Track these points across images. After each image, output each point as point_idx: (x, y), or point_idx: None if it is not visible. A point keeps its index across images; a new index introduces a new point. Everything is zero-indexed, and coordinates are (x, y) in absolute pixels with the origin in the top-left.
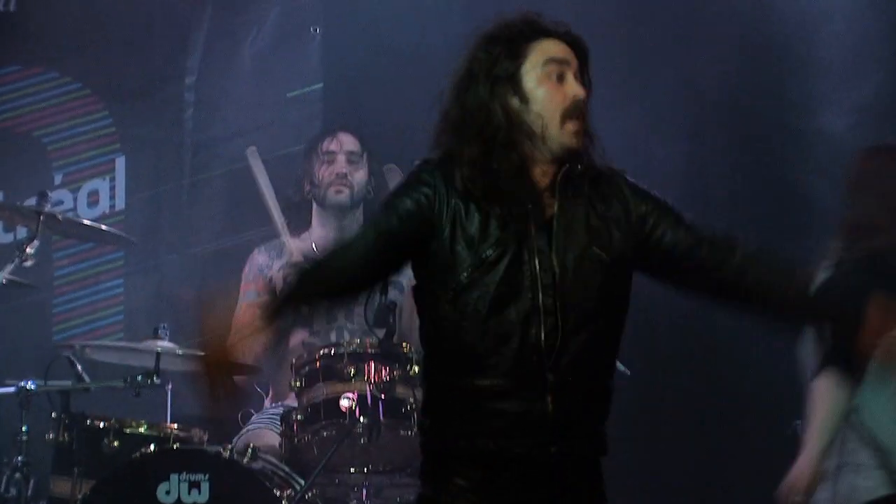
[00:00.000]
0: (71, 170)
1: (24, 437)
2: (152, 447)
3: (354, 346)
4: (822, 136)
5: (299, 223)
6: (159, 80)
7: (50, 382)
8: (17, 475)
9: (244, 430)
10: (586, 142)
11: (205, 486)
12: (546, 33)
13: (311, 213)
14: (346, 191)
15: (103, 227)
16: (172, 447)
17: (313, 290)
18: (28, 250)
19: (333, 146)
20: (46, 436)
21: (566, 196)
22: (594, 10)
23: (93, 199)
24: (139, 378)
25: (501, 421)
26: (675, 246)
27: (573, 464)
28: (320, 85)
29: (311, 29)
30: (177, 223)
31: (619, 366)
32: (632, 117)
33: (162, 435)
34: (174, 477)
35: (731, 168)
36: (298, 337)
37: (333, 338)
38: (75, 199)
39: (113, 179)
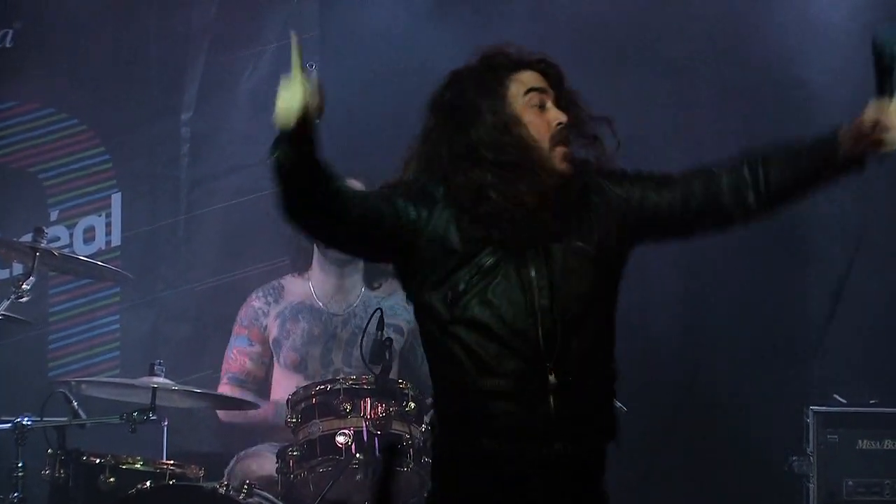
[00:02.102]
0: (67, 206)
1: (21, 473)
2: (148, 483)
3: (350, 382)
4: None
5: (302, 262)
6: (155, 115)
7: (46, 418)
8: None
9: (242, 452)
10: (577, 163)
11: None
12: (522, 65)
13: (312, 255)
14: None
15: (99, 263)
16: (168, 483)
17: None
18: (24, 286)
19: None
20: (42, 472)
21: (558, 207)
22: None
23: (89, 235)
24: (135, 414)
25: (506, 422)
26: (669, 204)
27: (579, 461)
28: (317, 120)
29: (308, 64)
30: (173, 259)
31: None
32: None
33: (158, 471)
34: None
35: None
36: (293, 381)
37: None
38: (71, 236)
39: (109, 215)
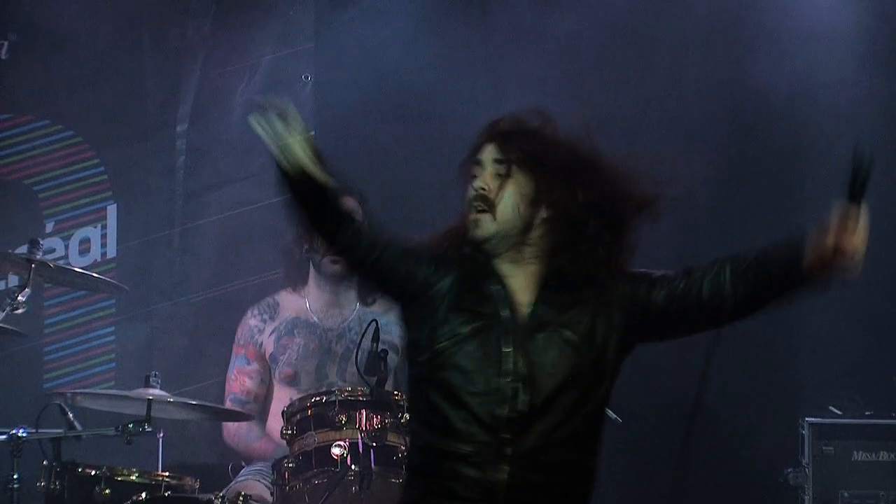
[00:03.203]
0: (62, 217)
1: (16, 486)
2: (144, 495)
3: (346, 393)
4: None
5: (298, 278)
6: (151, 127)
7: (41, 430)
8: None
9: (234, 481)
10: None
11: None
12: (481, 142)
13: (308, 270)
14: (341, 264)
15: (94, 274)
16: (164, 495)
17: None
18: (19, 298)
19: None
20: (38, 484)
21: (547, 290)
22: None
23: (84, 246)
24: (131, 426)
25: (459, 484)
26: (671, 296)
27: None
28: (312, 132)
29: (303, 77)
30: (168, 271)
31: (610, 413)
32: None
33: (153, 483)
34: None
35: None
36: (287, 394)
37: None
38: (67, 247)
39: (104, 227)
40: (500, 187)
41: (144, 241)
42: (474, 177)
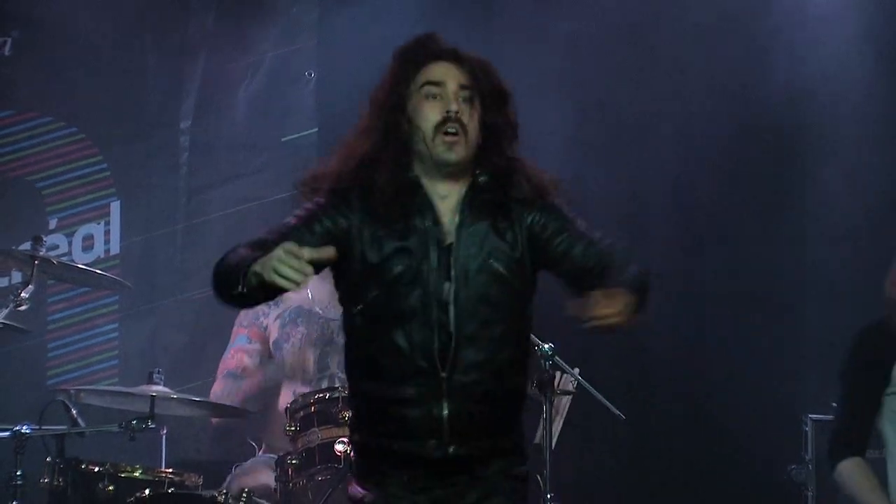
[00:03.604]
0: (66, 214)
1: (19, 482)
2: (147, 492)
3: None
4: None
5: None
6: (154, 124)
7: (45, 427)
8: None
9: (235, 466)
10: (497, 161)
11: None
12: (432, 57)
13: None
14: None
15: (98, 271)
16: (167, 491)
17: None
18: (22, 295)
19: None
20: (41, 480)
21: (467, 214)
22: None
23: (87, 243)
24: (134, 422)
25: (403, 424)
26: (566, 255)
27: (475, 462)
28: (315, 129)
29: (306, 73)
30: (172, 268)
31: (613, 409)
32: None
33: (157, 479)
34: None
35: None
36: (290, 388)
37: (325, 386)
38: (70, 244)
39: (108, 224)
40: (470, 114)
41: (147, 238)
42: (435, 96)
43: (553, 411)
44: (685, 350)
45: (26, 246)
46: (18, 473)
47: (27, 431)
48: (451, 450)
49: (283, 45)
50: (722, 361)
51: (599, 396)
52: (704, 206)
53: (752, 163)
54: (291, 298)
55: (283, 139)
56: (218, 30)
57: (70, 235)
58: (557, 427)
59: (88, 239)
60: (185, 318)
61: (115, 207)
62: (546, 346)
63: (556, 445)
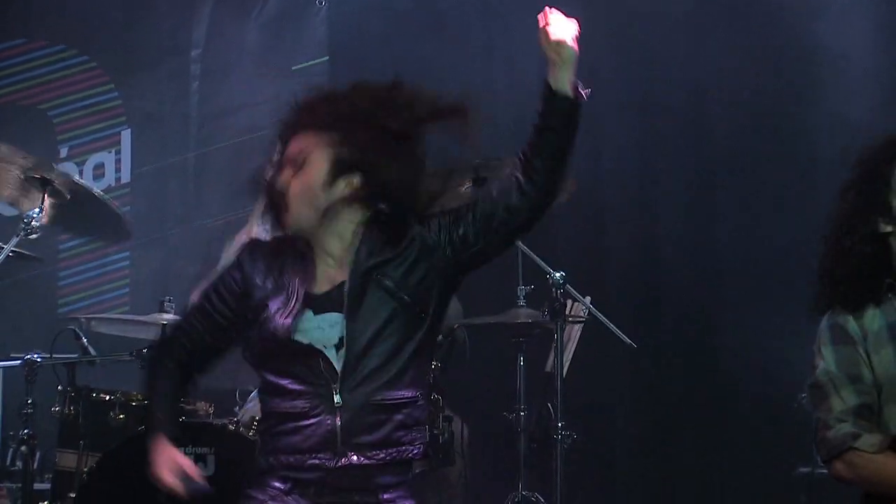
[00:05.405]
0: (76, 143)
1: (30, 410)
2: None
3: None
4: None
5: None
6: (165, 52)
7: (56, 355)
8: (23, 448)
9: (247, 402)
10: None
11: (210, 460)
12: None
13: None
14: None
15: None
16: (178, 420)
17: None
18: (33, 223)
19: None
20: (52, 409)
21: (366, 244)
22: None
23: (98, 171)
24: (145, 351)
25: (300, 438)
26: (475, 226)
27: (369, 471)
28: (326, 58)
29: (317, 2)
30: (183, 196)
31: (624, 337)
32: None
33: None
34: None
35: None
36: None
37: None
38: (81, 172)
39: (119, 152)
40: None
41: (159, 167)
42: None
43: (565, 338)
44: (696, 277)
45: None
46: (29, 402)
47: (38, 360)
48: (344, 461)
49: None
50: (734, 288)
51: (610, 324)
52: (716, 136)
53: (763, 147)
54: None
55: (294, 68)
56: None
57: (81, 164)
58: (569, 355)
59: (99, 167)
60: (197, 247)
61: (126, 136)
62: (557, 274)
63: (566, 374)
